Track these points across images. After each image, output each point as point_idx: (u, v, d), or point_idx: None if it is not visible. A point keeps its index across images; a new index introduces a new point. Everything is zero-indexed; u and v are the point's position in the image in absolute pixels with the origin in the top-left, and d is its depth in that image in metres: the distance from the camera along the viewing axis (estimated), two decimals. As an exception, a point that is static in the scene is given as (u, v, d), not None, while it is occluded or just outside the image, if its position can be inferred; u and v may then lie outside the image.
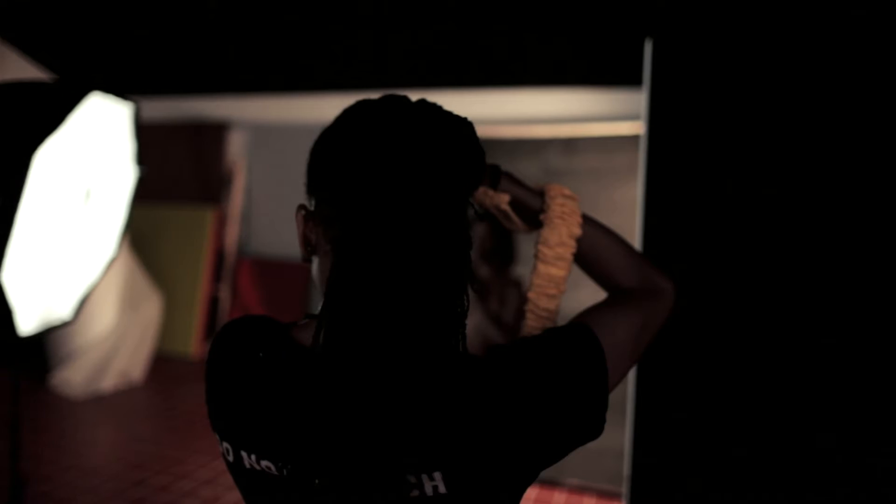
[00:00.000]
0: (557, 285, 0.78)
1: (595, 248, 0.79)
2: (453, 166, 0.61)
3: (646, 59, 1.30)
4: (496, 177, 0.79)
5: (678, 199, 1.29)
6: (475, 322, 3.13)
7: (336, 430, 0.57)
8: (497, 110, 4.60)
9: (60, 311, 2.50)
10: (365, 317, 0.58)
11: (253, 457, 0.63)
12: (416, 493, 0.59)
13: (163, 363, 5.24)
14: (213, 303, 5.47)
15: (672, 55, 1.28)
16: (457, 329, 0.61)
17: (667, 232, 1.30)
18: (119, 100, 2.47)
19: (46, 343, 4.68)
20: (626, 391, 1.39)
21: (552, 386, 0.62)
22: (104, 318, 4.66)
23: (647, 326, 0.74)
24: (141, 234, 5.36)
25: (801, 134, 1.21)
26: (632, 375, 1.35)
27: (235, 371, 0.66)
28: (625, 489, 1.38)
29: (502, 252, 3.53)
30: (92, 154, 2.46)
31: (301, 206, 0.66)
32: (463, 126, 0.64)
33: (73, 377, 4.49)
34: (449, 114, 0.65)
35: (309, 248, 0.67)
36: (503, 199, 0.78)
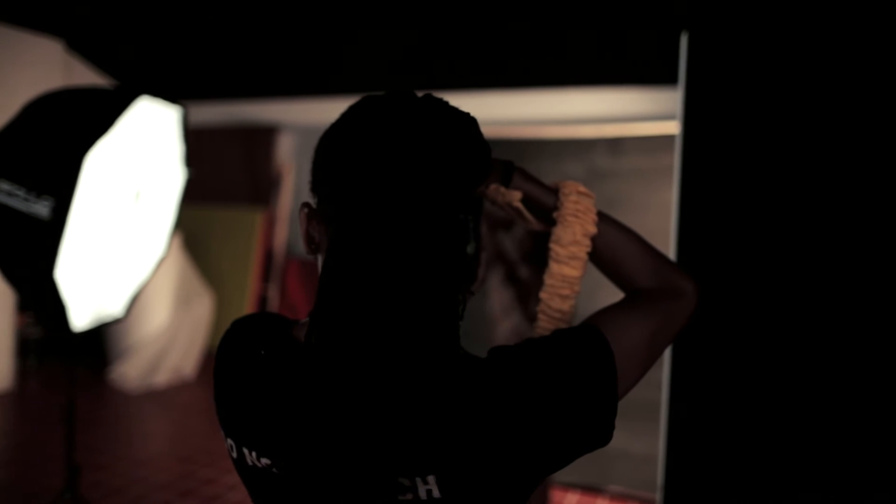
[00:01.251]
0: (571, 286, 0.76)
1: (611, 248, 0.76)
2: (448, 163, 0.59)
3: (681, 54, 1.26)
4: (508, 174, 0.77)
5: (714, 200, 1.24)
6: (514, 324, 3.09)
7: (326, 429, 0.57)
8: (542, 111, 4.54)
9: (112, 307, 2.60)
10: (354, 315, 0.57)
11: (254, 454, 0.64)
12: (409, 496, 0.57)
13: (213, 360, 5.40)
14: (262, 302, 5.60)
15: (709, 49, 1.23)
16: (451, 329, 0.59)
17: (702, 234, 1.25)
18: (168, 104, 2.55)
19: (105, 339, 4.89)
20: (661, 397, 1.35)
21: (554, 390, 0.60)
22: (158, 316, 4.83)
23: (663, 329, 0.70)
24: (193, 235, 5.53)
25: (846, 133, 1.14)
26: (665, 380, 1.30)
27: (239, 369, 0.66)
28: (658, 498, 1.33)
29: (543, 253, 3.48)
30: (142, 156, 2.55)
31: (305, 204, 0.66)
32: (464, 122, 0.63)
33: (129, 372, 4.67)
34: (452, 110, 0.64)
35: (312, 245, 0.66)
36: (515, 197, 0.76)
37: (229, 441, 0.67)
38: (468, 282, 0.82)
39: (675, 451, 1.28)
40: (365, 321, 0.57)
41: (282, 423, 0.61)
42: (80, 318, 2.34)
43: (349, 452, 0.56)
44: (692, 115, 1.25)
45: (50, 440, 3.45)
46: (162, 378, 4.81)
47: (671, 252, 1.28)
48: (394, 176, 0.58)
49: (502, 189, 0.77)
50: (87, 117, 2.09)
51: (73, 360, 2.50)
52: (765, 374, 1.21)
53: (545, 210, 0.78)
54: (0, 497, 3.04)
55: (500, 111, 4.56)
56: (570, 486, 3.33)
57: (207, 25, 4.70)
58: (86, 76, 5.71)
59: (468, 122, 0.63)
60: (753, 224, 1.21)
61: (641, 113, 4.03)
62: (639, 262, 0.76)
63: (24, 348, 4.90)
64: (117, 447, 3.65)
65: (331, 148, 0.62)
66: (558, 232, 0.75)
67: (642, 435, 3.04)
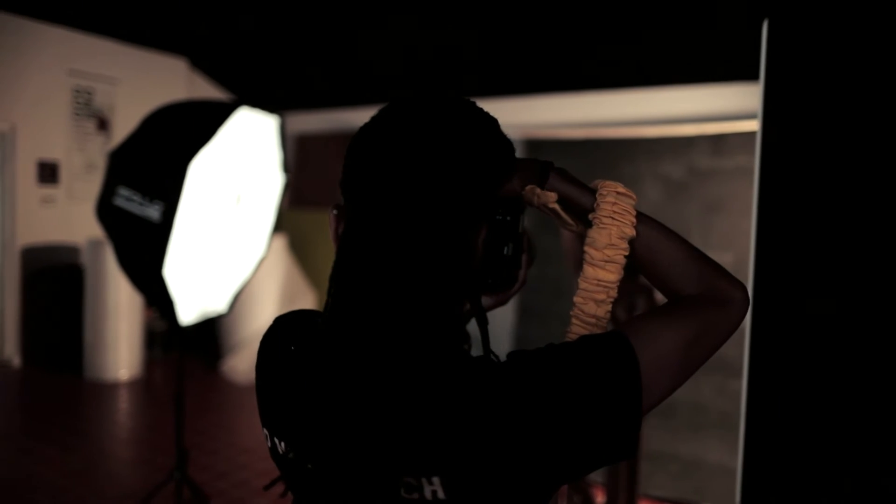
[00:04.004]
0: (607, 290, 0.72)
1: (651, 251, 0.72)
2: (451, 164, 0.59)
3: (763, 44, 1.17)
4: (544, 174, 0.75)
5: (796, 199, 1.14)
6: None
7: (334, 423, 0.58)
8: (641, 110, 4.38)
9: (217, 304, 2.80)
10: (355, 312, 0.58)
11: (283, 444, 0.67)
12: (415, 495, 0.58)
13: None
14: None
15: (792, 38, 1.14)
16: (454, 330, 0.59)
17: (783, 235, 1.15)
18: (266, 113, 2.71)
19: (217, 334, 5.27)
20: (739, 408, 1.26)
21: (568, 399, 0.57)
22: (265, 314, 5.14)
23: (701, 338, 0.66)
24: (298, 237, 5.84)
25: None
26: (743, 390, 1.22)
27: (274, 363, 0.70)
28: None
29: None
30: (243, 162, 2.73)
31: (335, 206, 0.69)
32: (479, 124, 0.62)
33: (239, 365, 5.00)
34: (471, 112, 0.64)
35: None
36: (550, 198, 0.74)
37: (265, 431, 0.70)
38: (506, 284, 0.81)
39: (754, 465, 1.19)
40: (364, 318, 0.58)
41: (300, 414, 0.63)
42: (187, 313, 2.54)
43: (354, 447, 0.57)
44: (773, 108, 1.16)
45: (168, 424, 3.76)
46: (268, 372, 5.10)
47: (751, 254, 1.20)
48: (390, 174, 0.59)
49: (538, 190, 0.75)
50: (193, 128, 2.27)
51: (182, 352, 2.71)
52: (851, 381, 1.10)
53: (583, 211, 0.76)
54: (123, 471, 3.36)
55: (599, 111, 4.45)
56: (661, 500, 3.18)
57: (314, 42, 4.96)
58: (207, 91, 6.21)
59: (484, 123, 0.63)
60: (839, 225, 1.11)
61: (746, 110, 3.78)
62: (681, 267, 0.71)
63: (151, 340, 5.38)
64: (225, 434, 3.92)
65: (350, 149, 0.64)
66: (593, 234, 0.72)
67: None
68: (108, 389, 4.63)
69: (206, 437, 3.75)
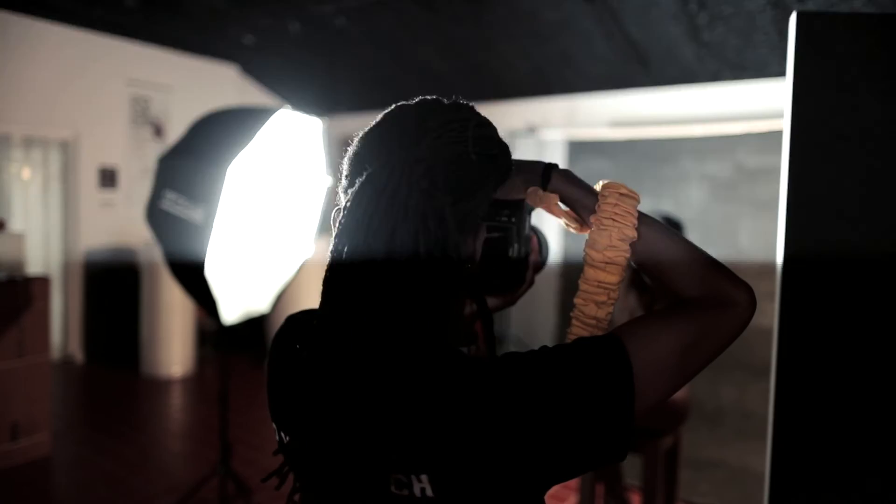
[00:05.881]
0: (608, 292, 0.72)
1: (653, 253, 0.71)
2: (434, 169, 0.60)
3: (790, 36, 1.13)
4: (547, 176, 0.76)
5: (825, 199, 1.10)
6: (629, 305, 2.95)
7: (327, 420, 0.60)
8: (684, 108, 4.28)
9: (259, 304, 2.88)
10: (344, 311, 0.60)
11: (287, 439, 0.69)
12: (405, 491, 0.59)
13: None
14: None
15: (823, 30, 1.10)
16: (444, 330, 0.60)
17: (813, 235, 1.11)
18: (308, 117, 2.77)
19: (265, 333, 5.41)
20: (767, 411, 1.22)
21: (557, 400, 0.57)
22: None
23: (701, 341, 0.64)
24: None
25: None
26: (771, 392, 1.18)
27: (281, 361, 0.72)
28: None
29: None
30: (286, 165, 2.80)
31: (336, 206, 0.71)
32: (468, 128, 0.63)
33: (285, 363, 5.11)
34: (467, 116, 0.65)
35: None
36: (552, 200, 0.75)
37: (273, 425, 0.73)
38: (513, 285, 0.82)
39: (782, 469, 1.16)
40: (353, 317, 0.59)
41: (298, 410, 0.65)
42: (231, 312, 2.62)
43: (345, 444, 0.59)
44: (802, 103, 1.12)
45: (217, 420, 3.89)
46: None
47: (779, 253, 1.16)
48: (372, 178, 0.61)
49: (540, 192, 0.75)
50: (233, 133, 2.35)
51: (226, 350, 2.81)
52: (885, 387, 1.06)
53: (586, 213, 0.76)
54: (174, 463, 3.49)
55: (642, 110, 4.37)
56: (706, 509, 3.09)
57: (356, 48, 5.04)
58: (256, 96, 6.39)
59: (476, 127, 0.64)
60: (870, 223, 1.06)
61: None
62: (683, 269, 0.70)
63: (203, 339, 5.57)
64: (269, 430, 4.00)
65: (350, 151, 0.67)
66: (594, 236, 0.72)
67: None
68: (161, 385, 4.82)
69: (251, 432, 3.86)
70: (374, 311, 0.59)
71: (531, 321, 4.84)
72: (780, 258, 1.15)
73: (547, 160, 0.85)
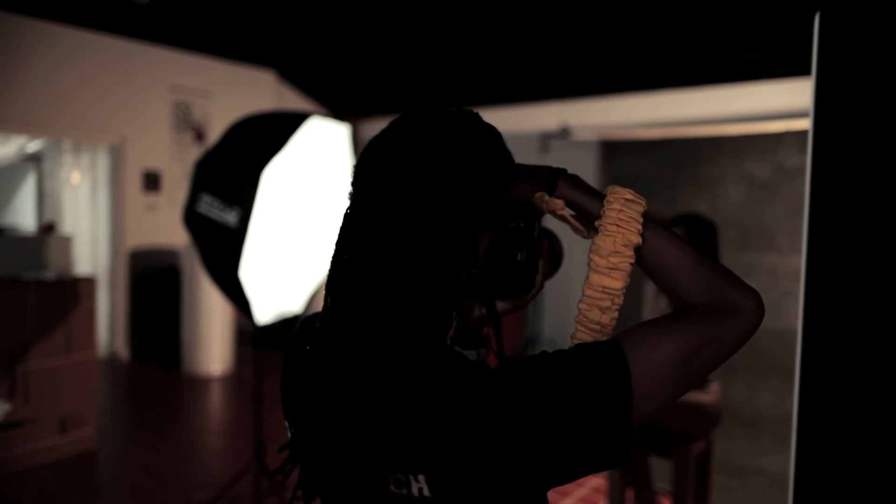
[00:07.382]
0: (612, 297, 0.72)
1: (658, 259, 0.71)
2: (441, 175, 0.62)
3: (815, 38, 1.11)
4: (554, 181, 0.76)
5: (850, 199, 1.07)
6: (662, 307, 2.91)
7: (329, 419, 0.62)
8: (723, 107, 4.19)
9: (292, 305, 2.94)
10: (346, 313, 0.62)
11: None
12: (403, 491, 0.60)
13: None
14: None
15: (847, 31, 1.07)
16: (436, 331, 0.61)
17: (838, 239, 1.09)
18: (337, 122, 2.82)
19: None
20: (791, 413, 1.20)
21: (554, 405, 0.58)
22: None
23: (704, 348, 0.64)
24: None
25: None
26: (795, 395, 1.16)
27: (292, 361, 0.75)
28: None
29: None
30: (317, 169, 2.86)
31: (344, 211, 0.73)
32: (473, 136, 0.65)
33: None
34: (468, 124, 0.67)
35: None
36: (558, 205, 0.75)
37: (286, 423, 0.76)
38: (522, 289, 0.83)
39: (806, 471, 1.13)
40: (354, 317, 0.61)
41: (303, 409, 0.68)
42: (264, 313, 2.68)
43: (346, 443, 0.61)
44: (826, 103, 1.10)
45: (253, 417, 3.98)
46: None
47: (803, 258, 1.14)
48: (380, 180, 0.63)
49: (546, 197, 0.76)
50: (267, 138, 2.41)
51: (259, 349, 2.87)
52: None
53: (592, 218, 0.76)
54: (212, 459, 3.59)
55: (680, 109, 4.30)
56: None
57: (392, 54, 5.10)
58: (294, 101, 6.51)
59: (481, 134, 0.65)
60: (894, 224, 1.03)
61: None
62: (688, 275, 0.70)
63: (241, 338, 5.71)
64: (305, 429, 4.09)
65: (359, 155, 0.70)
66: (598, 241, 0.72)
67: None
68: (201, 383, 4.96)
69: (285, 429, 3.93)
70: (373, 312, 0.61)
71: (564, 323, 4.81)
72: (804, 260, 1.13)
73: (556, 165, 0.86)
